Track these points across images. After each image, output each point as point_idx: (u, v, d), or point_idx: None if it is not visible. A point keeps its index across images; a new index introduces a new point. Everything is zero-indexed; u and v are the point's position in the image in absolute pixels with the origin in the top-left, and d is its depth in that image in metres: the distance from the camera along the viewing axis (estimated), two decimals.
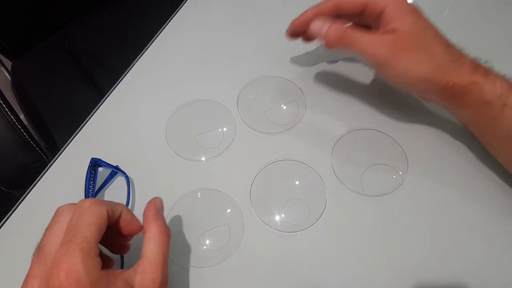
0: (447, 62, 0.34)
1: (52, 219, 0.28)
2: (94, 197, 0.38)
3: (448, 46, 0.35)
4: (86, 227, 0.25)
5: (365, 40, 0.36)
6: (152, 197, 0.32)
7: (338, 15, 0.39)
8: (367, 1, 0.37)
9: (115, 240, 0.31)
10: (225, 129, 0.43)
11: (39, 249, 0.26)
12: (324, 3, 0.39)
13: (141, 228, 0.30)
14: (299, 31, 0.42)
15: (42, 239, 0.27)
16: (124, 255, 0.34)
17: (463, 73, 0.34)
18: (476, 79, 0.34)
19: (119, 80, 0.47)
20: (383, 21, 0.37)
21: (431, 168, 0.40)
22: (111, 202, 0.29)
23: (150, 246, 0.28)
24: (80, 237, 0.25)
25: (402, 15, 0.36)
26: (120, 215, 0.29)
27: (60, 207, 0.28)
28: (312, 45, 0.49)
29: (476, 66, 0.34)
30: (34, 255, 0.27)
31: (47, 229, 0.28)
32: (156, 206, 0.31)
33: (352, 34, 0.36)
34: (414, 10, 0.36)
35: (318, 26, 0.38)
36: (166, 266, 0.28)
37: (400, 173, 0.40)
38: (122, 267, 0.34)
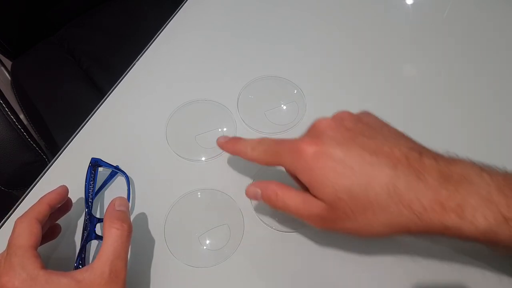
0: (405, 210, 0.26)
1: None
2: (94, 197, 0.38)
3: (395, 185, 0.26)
4: (17, 238, 0.29)
5: (298, 206, 0.29)
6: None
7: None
8: (267, 162, 0.31)
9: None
10: (225, 129, 0.43)
11: None
12: None
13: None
14: None
15: None
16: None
17: (430, 218, 0.25)
18: (447, 222, 0.25)
19: (119, 80, 0.47)
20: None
21: None
22: (34, 207, 0.32)
23: (103, 243, 0.30)
24: (13, 246, 0.29)
25: (319, 186, 0.28)
26: (51, 206, 0.33)
27: None
28: (314, 47, 0.49)
29: (442, 203, 0.25)
30: None
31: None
32: (113, 204, 0.33)
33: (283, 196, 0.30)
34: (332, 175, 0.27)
35: (252, 193, 0.33)
36: (116, 261, 0.29)
37: None
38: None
